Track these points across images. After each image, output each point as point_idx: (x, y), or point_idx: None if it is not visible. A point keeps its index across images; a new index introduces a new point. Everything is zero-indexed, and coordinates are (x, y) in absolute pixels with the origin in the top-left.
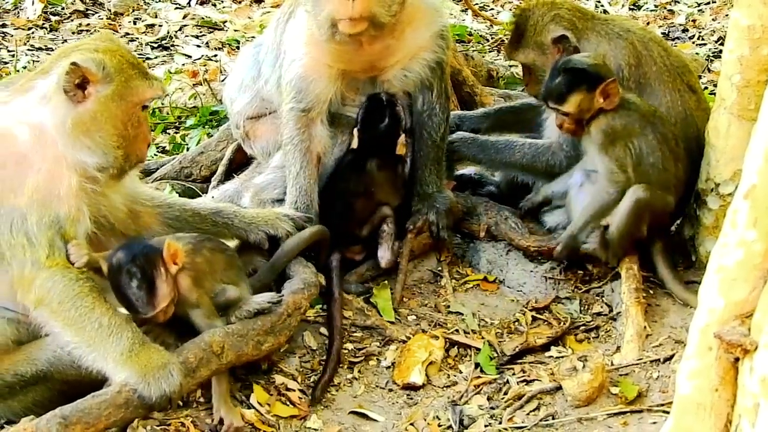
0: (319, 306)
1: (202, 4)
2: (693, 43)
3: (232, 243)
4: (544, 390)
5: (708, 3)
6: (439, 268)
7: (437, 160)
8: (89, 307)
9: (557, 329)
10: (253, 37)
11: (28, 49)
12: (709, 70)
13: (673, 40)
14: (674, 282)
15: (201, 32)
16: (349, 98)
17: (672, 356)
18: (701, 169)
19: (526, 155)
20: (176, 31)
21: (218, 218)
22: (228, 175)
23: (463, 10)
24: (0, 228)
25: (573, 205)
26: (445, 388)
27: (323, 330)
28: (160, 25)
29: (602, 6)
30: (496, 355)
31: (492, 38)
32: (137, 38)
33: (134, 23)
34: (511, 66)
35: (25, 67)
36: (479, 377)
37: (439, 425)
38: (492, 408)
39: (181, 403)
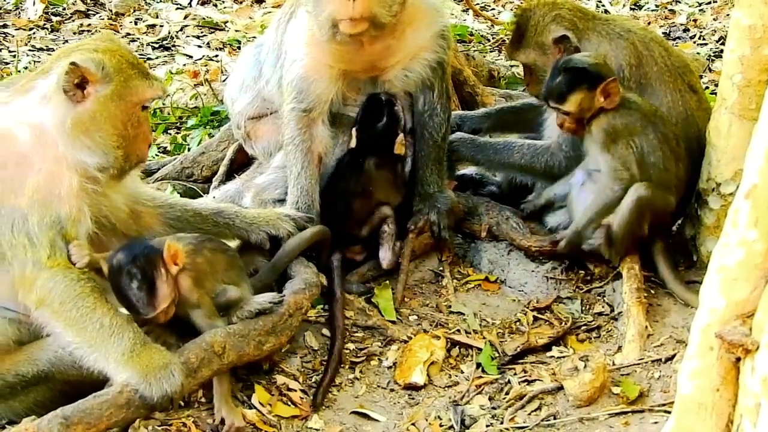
0: (320, 306)
1: (203, 4)
2: (694, 42)
3: (234, 243)
4: (545, 390)
5: (709, 3)
6: (441, 268)
7: (438, 160)
8: (91, 307)
9: (558, 329)
10: (254, 37)
11: (30, 50)
12: (710, 70)
13: (674, 39)
14: (675, 282)
15: (202, 32)
16: (350, 98)
17: (673, 356)
18: (702, 169)
19: (525, 156)
20: (177, 32)
21: (219, 218)
22: (229, 176)
23: (464, 10)
24: (1, 228)
25: (575, 204)
26: (446, 388)
27: (325, 330)
28: (161, 26)
29: (603, 6)
30: (497, 355)
31: (493, 38)
32: (138, 38)
33: (135, 23)
34: (512, 66)
35: (26, 68)
36: (481, 377)
37: (441, 425)
38: (493, 408)
39: (182, 404)
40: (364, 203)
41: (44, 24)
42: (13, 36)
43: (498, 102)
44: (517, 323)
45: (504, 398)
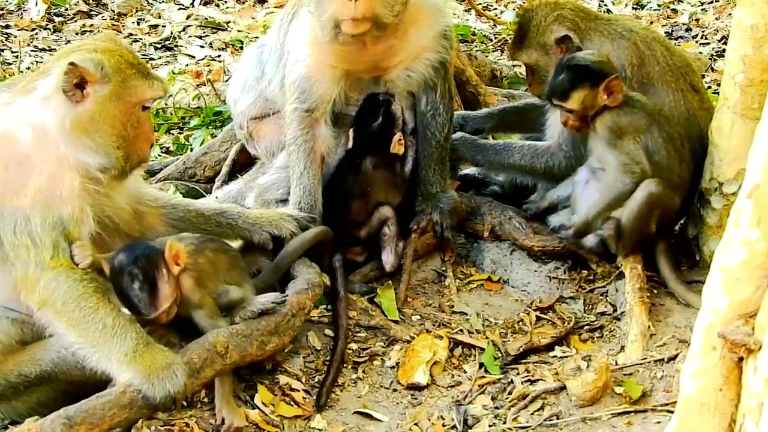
0: (323, 306)
1: (205, 4)
2: (696, 42)
3: (236, 243)
4: (548, 390)
5: (711, 2)
6: (443, 268)
7: (441, 160)
8: (93, 307)
9: (561, 329)
10: (257, 37)
11: (32, 50)
12: (712, 70)
13: (676, 39)
14: (676, 282)
15: (204, 33)
16: (352, 98)
17: (676, 356)
18: (705, 169)
19: (525, 157)
20: (180, 32)
21: (222, 219)
22: (232, 176)
23: (466, 10)
24: (4, 229)
25: (578, 203)
26: (449, 388)
27: (327, 330)
28: (164, 26)
29: (605, 5)
30: (500, 354)
31: (495, 38)
32: (141, 39)
33: (137, 24)
34: (514, 66)
35: (28, 68)
36: (483, 377)
37: (444, 425)
38: (496, 408)
39: (185, 404)
40: (363, 204)
41: (47, 24)
42: (16, 36)
43: (500, 102)
44: (520, 323)
45: (507, 398)
